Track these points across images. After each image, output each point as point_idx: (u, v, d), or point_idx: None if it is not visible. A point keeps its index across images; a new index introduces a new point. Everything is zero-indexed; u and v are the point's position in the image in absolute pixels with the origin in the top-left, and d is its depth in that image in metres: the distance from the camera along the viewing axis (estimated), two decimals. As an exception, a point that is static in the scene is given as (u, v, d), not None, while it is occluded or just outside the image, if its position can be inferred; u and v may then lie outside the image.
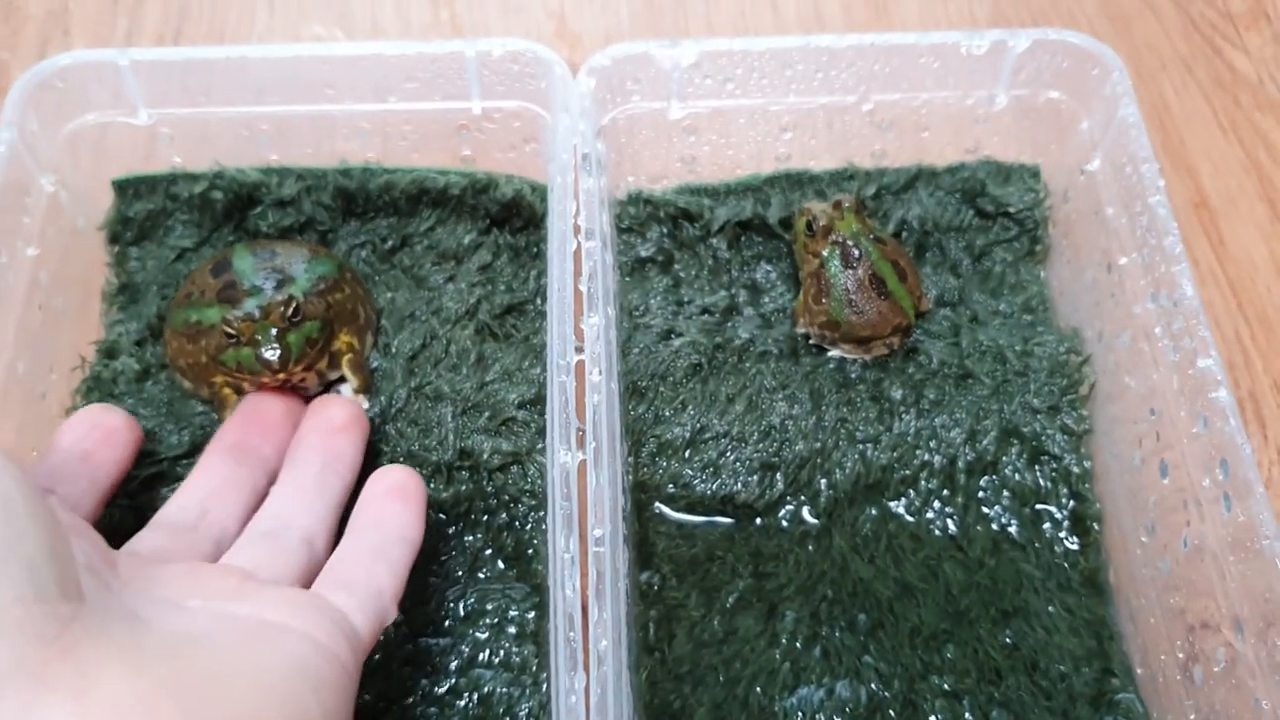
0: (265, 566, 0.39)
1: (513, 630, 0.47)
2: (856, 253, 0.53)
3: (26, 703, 0.25)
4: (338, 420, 0.47)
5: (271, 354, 0.46)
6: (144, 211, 0.56)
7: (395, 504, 0.43)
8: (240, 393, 0.50)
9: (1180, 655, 0.46)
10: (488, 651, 0.46)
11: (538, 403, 0.52)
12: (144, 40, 0.66)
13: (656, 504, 0.52)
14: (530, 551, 0.49)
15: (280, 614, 0.35)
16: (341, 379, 0.52)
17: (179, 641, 0.32)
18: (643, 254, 0.58)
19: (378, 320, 0.54)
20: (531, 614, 0.47)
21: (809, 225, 0.54)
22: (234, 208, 0.56)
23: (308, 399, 0.50)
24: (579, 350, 0.45)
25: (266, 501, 0.44)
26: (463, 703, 0.45)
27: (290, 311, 0.47)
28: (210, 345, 0.48)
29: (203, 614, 0.34)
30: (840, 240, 0.53)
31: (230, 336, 0.47)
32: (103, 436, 0.44)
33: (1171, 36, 0.68)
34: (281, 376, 0.47)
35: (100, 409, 0.45)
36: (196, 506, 0.43)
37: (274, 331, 0.47)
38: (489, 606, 0.48)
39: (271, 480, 0.46)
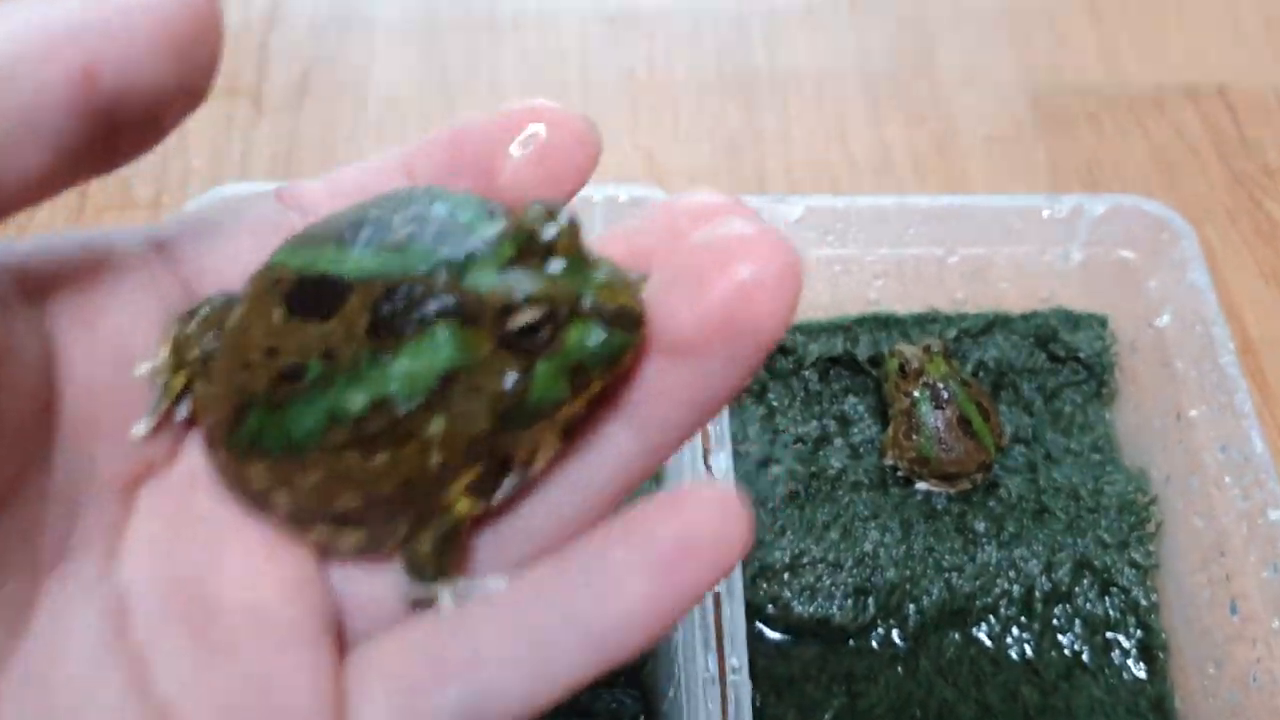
0: None
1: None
2: (946, 395, 0.58)
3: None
4: None
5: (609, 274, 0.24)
6: None
7: None
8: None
9: (1250, 784, 0.50)
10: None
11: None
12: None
13: (757, 623, 0.56)
14: (641, 658, 0.52)
15: None
16: None
17: None
18: (740, 384, 0.62)
19: None
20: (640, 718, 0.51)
21: (901, 367, 0.59)
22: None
23: None
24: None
25: None
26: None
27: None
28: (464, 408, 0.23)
29: None
30: (931, 382, 0.58)
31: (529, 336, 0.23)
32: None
33: (1216, 188, 0.73)
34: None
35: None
36: None
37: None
38: (596, 707, 0.51)
39: None
